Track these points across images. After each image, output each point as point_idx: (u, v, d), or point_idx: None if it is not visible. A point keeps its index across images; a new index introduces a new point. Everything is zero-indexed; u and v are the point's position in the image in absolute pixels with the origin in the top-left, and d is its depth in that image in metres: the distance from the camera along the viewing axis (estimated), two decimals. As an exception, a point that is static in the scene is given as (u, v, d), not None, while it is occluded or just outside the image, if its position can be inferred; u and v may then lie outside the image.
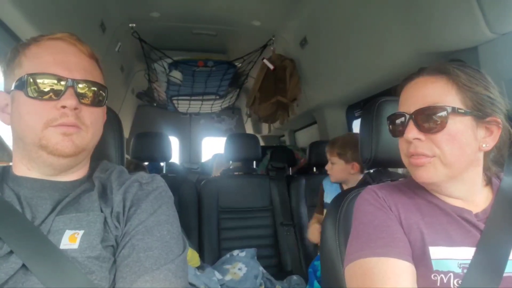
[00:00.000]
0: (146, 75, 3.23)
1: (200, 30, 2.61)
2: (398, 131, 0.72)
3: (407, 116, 0.69)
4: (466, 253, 0.63)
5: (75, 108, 0.63)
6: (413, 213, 0.70)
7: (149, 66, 3.00)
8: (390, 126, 0.75)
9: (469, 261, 0.62)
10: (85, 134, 0.66)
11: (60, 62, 0.65)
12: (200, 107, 3.94)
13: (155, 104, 4.04)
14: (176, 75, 2.93)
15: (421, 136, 0.66)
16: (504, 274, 0.60)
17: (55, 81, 0.63)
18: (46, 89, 0.62)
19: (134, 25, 2.40)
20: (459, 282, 0.60)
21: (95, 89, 0.68)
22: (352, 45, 1.92)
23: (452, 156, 0.65)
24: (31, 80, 0.62)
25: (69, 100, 0.62)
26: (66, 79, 0.63)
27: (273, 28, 2.55)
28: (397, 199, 0.73)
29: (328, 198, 1.77)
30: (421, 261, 0.64)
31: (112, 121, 0.89)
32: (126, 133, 3.81)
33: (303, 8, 2.16)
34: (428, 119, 0.66)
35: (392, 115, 0.74)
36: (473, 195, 0.71)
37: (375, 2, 1.58)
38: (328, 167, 1.71)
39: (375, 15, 1.61)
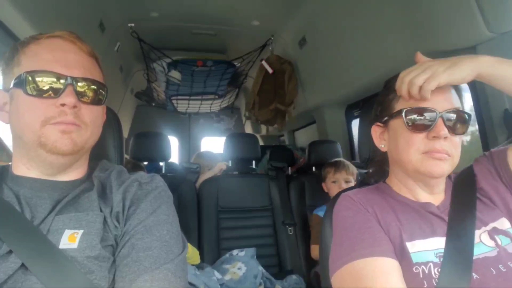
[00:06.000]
0: (145, 75, 3.22)
1: (199, 30, 2.61)
2: (420, 127, 0.71)
3: (438, 113, 0.70)
4: (439, 243, 0.68)
5: (74, 106, 0.63)
6: (388, 212, 0.74)
7: (148, 66, 3.00)
8: (409, 120, 0.72)
9: (443, 250, 0.67)
10: (84, 132, 0.66)
11: (59, 60, 0.64)
12: (199, 107, 3.94)
13: (154, 104, 4.03)
14: (175, 75, 2.93)
15: (448, 135, 0.70)
16: (474, 257, 0.65)
17: (54, 79, 0.63)
18: (45, 87, 0.62)
19: (133, 25, 2.39)
20: (439, 270, 0.64)
21: (95, 87, 0.68)
22: (351, 44, 1.92)
23: (458, 158, 0.72)
24: (30, 78, 0.62)
25: (68, 98, 0.62)
26: (65, 77, 0.63)
27: (272, 28, 2.55)
28: (372, 201, 0.76)
29: None
30: (401, 256, 0.67)
31: (111, 121, 0.89)
32: (125, 133, 3.80)
33: (302, 8, 2.16)
34: (457, 121, 0.71)
35: (416, 109, 0.72)
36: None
37: (373, 1, 1.58)
38: (344, 186, 1.85)
39: (374, 14, 1.61)
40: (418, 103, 0.72)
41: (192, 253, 1.69)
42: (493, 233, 0.69)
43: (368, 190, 0.82)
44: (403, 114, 0.73)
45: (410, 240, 0.69)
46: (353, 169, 1.94)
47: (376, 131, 0.83)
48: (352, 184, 1.88)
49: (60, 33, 0.68)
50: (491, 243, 0.68)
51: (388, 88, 0.81)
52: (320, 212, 1.89)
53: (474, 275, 0.63)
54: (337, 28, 1.98)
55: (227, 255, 1.82)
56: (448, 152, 0.70)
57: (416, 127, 0.71)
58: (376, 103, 0.85)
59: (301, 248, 2.01)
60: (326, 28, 2.09)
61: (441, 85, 0.68)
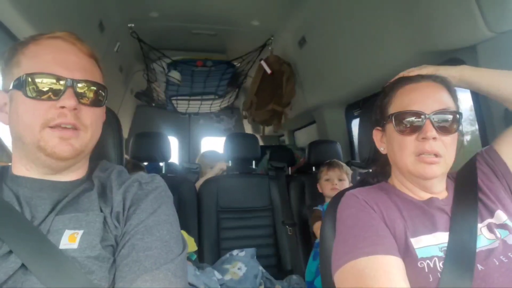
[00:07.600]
0: (145, 75, 3.22)
1: (199, 30, 2.61)
2: (409, 130, 0.74)
3: (426, 116, 0.72)
4: (443, 237, 0.70)
5: (74, 109, 0.63)
6: (393, 209, 0.75)
7: (148, 66, 2.99)
8: (398, 124, 0.75)
9: (447, 244, 0.68)
10: (84, 135, 0.65)
11: (60, 61, 0.64)
12: (199, 107, 3.93)
13: (154, 104, 4.03)
14: (175, 75, 2.92)
15: (437, 135, 0.71)
16: (477, 250, 0.67)
17: (54, 81, 0.62)
18: (45, 89, 0.62)
19: (133, 25, 2.39)
20: (444, 264, 0.65)
21: (95, 89, 0.68)
22: (350, 44, 1.92)
23: (452, 157, 0.73)
24: (30, 80, 0.62)
25: (68, 100, 0.62)
26: (65, 79, 0.63)
27: (272, 28, 2.55)
28: (376, 199, 0.77)
29: None
30: (406, 253, 0.67)
31: (111, 121, 0.89)
32: (125, 133, 3.80)
33: (302, 8, 2.16)
34: (446, 121, 0.72)
35: (403, 113, 0.75)
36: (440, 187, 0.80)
37: (373, 1, 1.58)
38: (340, 186, 1.87)
39: (374, 14, 1.61)
40: (406, 107, 0.74)
41: (188, 241, 1.67)
42: (492, 226, 0.72)
43: (372, 189, 0.83)
44: (393, 118, 0.76)
45: (415, 236, 0.70)
46: (348, 169, 1.94)
47: (377, 135, 0.86)
48: (346, 183, 1.89)
49: (60, 34, 0.68)
50: (492, 236, 0.70)
51: (384, 92, 0.83)
52: (321, 207, 1.89)
53: (479, 266, 0.65)
54: (336, 28, 1.98)
55: (227, 255, 1.82)
56: (439, 152, 0.71)
57: (406, 130, 0.74)
58: (375, 107, 0.87)
59: (301, 248, 2.01)
60: (326, 28, 2.09)
61: (429, 73, 0.79)
